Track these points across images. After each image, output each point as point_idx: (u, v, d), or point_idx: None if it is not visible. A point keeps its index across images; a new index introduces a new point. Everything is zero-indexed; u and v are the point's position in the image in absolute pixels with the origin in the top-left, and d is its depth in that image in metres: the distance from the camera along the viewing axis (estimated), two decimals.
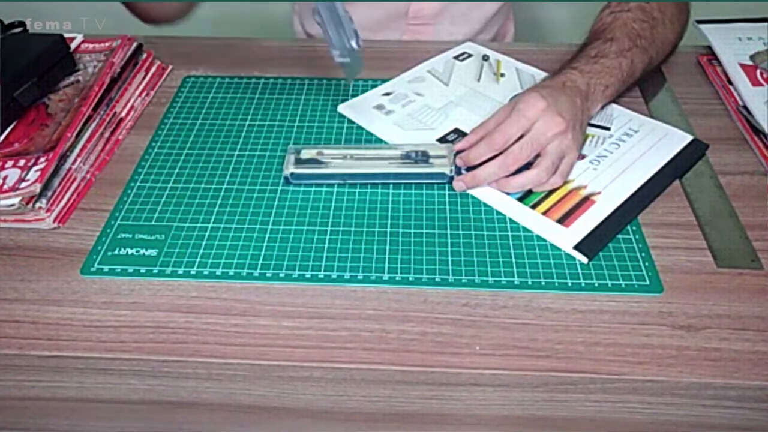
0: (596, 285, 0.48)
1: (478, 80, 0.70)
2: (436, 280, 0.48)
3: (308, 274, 0.49)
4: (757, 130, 0.61)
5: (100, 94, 0.62)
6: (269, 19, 1.21)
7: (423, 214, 0.54)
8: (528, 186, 0.54)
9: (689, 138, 0.61)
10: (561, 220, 0.52)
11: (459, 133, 0.62)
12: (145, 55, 0.70)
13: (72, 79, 0.65)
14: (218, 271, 0.49)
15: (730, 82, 0.67)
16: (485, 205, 0.55)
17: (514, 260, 0.50)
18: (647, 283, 0.48)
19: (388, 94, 0.68)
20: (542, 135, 0.53)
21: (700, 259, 0.50)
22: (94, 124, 0.61)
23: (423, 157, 0.57)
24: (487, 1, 0.83)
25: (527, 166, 0.54)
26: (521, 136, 0.54)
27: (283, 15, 1.03)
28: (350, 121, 0.65)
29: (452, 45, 0.76)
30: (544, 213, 0.53)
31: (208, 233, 0.52)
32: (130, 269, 0.49)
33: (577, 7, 1.27)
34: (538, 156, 0.54)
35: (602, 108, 0.63)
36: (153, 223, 0.53)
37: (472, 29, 0.85)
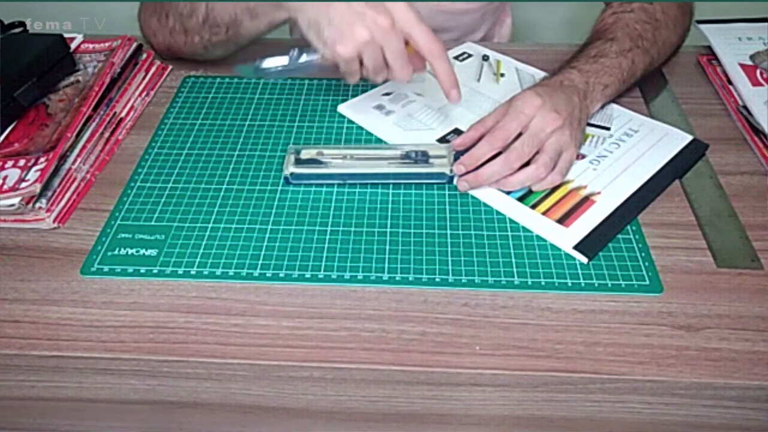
0: (596, 285, 0.48)
1: (478, 80, 0.70)
2: (436, 280, 0.48)
3: (308, 274, 0.49)
4: (757, 130, 0.61)
5: (100, 94, 0.62)
6: None
7: (423, 214, 0.54)
8: (527, 183, 0.54)
9: (689, 138, 0.61)
10: (561, 220, 0.52)
11: (459, 133, 0.62)
12: (145, 56, 0.70)
13: (72, 79, 0.65)
14: (218, 271, 0.49)
15: (730, 82, 0.67)
16: (485, 205, 0.55)
17: (514, 260, 0.50)
18: (647, 283, 0.48)
19: (388, 94, 0.68)
20: (541, 131, 0.53)
21: (700, 259, 0.50)
22: (94, 124, 0.61)
23: (423, 157, 0.57)
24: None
25: (525, 164, 0.54)
26: (520, 134, 0.54)
27: None
28: (350, 121, 0.65)
29: (452, 45, 0.76)
30: (544, 213, 0.53)
31: (208, 233, 0.52)
32: (130, 269, 0.49)
33: (571, 8, 1.27)
34: (536, 153, 0.54)
35: (602, 107, 0.63)
36: (153, 223, 0.53)
37: (453, 38, 0.85)
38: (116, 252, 0.51)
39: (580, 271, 0.49)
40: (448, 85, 0.57)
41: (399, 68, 0.55)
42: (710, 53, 0.72)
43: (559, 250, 0.51)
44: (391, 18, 0.53)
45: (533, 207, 0.54)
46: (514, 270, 0.49)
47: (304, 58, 0.57)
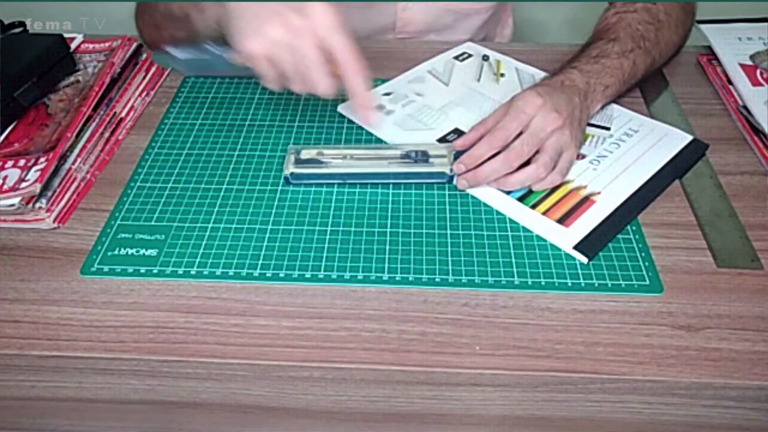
0: (596, 285, 0.48)
1: (478, 80, 0.70)
2: (436, 280, 0.48)
3: (308, 274, 0.49)
4: (757, 130, 0.61)
5: (100, 94, 0.62)
6: None
7: (423, 214, 0.54)
8: (527, 183, 0.54)
9: (689, 138, 0.61)
10: (561, 220, 0.52)
11: (459, 133, 0.62)
12: (145, 56, 0.71)
13: (72, 79, 0.65)
14: (218, 271, 0.49)
15: (730, 82, 0.67)
16: (485, 205, 0.55)
17: (514, 260, 0.50)
18: (647, 283, 0.48)
19: (388, 94, 0.68)
20: (541, 130, 0.53)
21: (700, 259, 0.50)
22: (94, 124, 0.61)
23: (423, 157, 0.57)
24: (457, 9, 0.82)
25: (525, 164, 0.54)
26: (520, 133, 0.54)
27: None
28: (350, 121, 0.65)
29: (452, 45, 0.76)
30: (544, 213, 0.53)
31: (208, 233, 0.52)
32: (130, 269, 0.49)
33: (572, 8, 1.27)
34: (537, 153, 0.54)
35: (602, 108, 0.63)
36: (153, 223, 0.53)
37: (458, 39, 0.85)
38: (116, 252, 0.51)
39: (580, 271, 0.49)
40: (361, 104, 0.54)
41: (314, 77, 0.51)
42: (710, 53, 0.72)
43: (559, 250, 0.51)
44: (308, 20, 0.50)
45: (533, 207, 0.54)
46: (514, 270, 0.49)
47: (214, 50, 0.54)
